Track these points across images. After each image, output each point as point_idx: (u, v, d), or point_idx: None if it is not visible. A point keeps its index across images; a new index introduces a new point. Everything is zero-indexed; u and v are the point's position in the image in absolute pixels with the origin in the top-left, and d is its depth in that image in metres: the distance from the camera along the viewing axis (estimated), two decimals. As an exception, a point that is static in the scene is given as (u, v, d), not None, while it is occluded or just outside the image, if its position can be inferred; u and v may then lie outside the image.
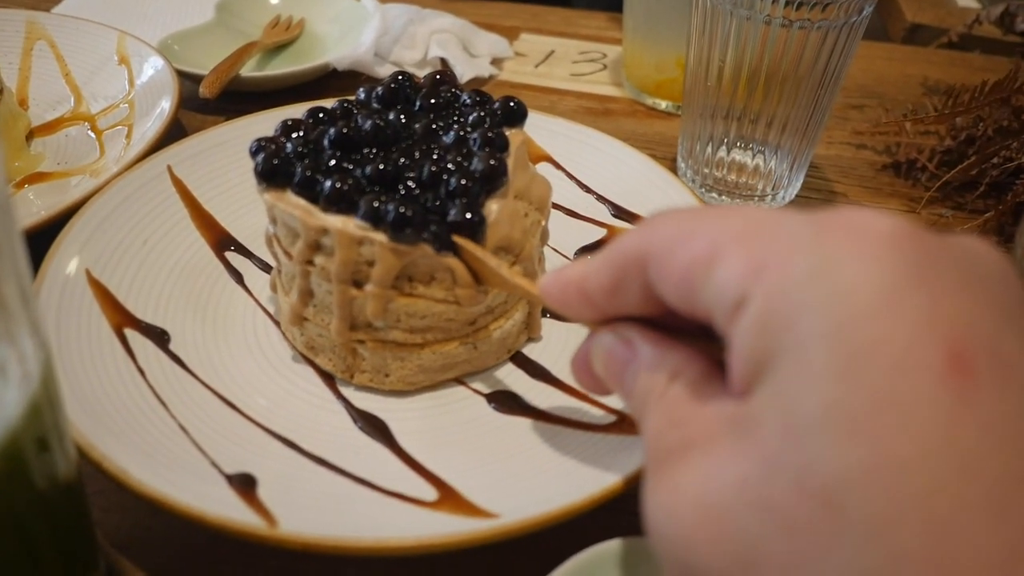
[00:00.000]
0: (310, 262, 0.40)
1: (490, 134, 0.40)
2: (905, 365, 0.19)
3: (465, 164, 0.38)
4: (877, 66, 0.82)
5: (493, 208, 0.39)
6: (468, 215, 0.37)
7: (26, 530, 0.27)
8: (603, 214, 0.53)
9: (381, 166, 0.38)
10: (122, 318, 0.44)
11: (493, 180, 0.39)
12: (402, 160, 0.38)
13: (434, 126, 0.41)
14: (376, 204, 0.36)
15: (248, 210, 0.52)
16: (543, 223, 0.44)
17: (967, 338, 0.19)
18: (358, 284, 0.39)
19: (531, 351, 0.45)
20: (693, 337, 0.27)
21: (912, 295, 0.19)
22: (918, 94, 0.77)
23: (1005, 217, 0.59)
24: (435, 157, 0.39)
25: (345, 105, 0.41)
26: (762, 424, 0.21)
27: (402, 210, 0.36)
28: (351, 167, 0.39)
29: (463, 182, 0.38)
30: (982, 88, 0.64)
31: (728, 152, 0.58)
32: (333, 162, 0.39)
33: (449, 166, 0.38)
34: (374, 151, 0.39)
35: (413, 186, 0.38)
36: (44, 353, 0.26)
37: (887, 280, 0.20)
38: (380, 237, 0.37)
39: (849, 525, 0.18)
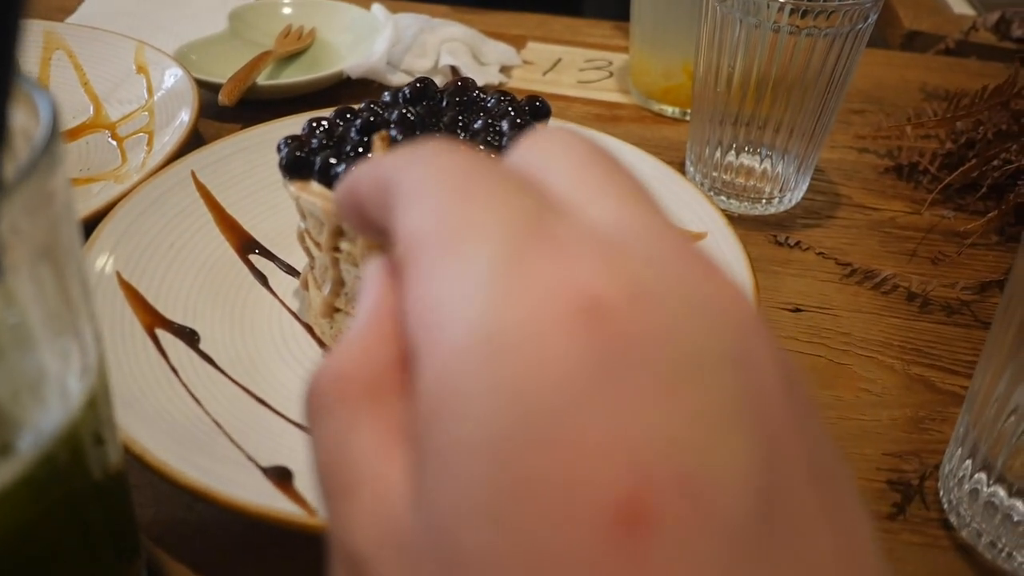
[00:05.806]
0: (336, 248, 0.41)
1: (519, 120, 0.41)
2: (566, 513, 0.13)
3: (493, 143, 0.40)
4: (876, 72, 0.83)
5: None
6: None
7: (84, 519, 0.28)
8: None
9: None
10: (153, 319, 0.45)
11: None
12: None
13: (461, 118, 0.43)
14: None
15: (270, 214, 0.54)
16: None
17: (652, 471, 0.13)
18: None
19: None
20: None
21: (596, 403, 0.14)
22: (917, 99, 0.79)
23: (1007, 217, 0.60)
24: (462, 137, 0.40)
25: (372, 105, 0.43)
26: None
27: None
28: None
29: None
30: (982, 93, 0.66)
31: (737, 156, 0.60)
32: (358, 150, 0.40)
33: (477, 145, 0.39)
34: (400, 136, 0.40)
35: None
36: (100, 346, 0.27)
37: (572, 377, 0.14)
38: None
39: None
